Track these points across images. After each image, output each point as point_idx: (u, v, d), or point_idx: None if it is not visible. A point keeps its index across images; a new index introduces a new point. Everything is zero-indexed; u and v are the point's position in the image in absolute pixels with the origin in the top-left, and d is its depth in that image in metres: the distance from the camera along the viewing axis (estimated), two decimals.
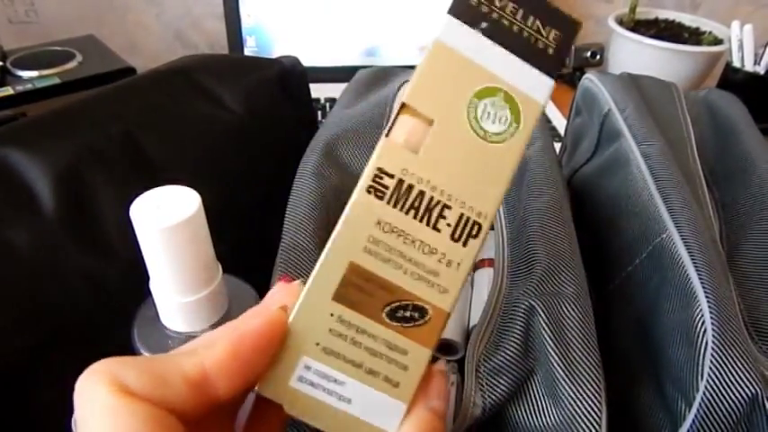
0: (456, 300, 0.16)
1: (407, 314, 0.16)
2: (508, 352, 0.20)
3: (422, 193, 0.16)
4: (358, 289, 0.15)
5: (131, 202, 0.20)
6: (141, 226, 0.19)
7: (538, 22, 0.16)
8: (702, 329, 0.19)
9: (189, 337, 0.22)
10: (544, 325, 0.19)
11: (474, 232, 0.16)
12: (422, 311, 0.16)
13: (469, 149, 0.16)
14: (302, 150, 0.29)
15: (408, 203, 0.15)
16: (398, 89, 0.34)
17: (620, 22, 0.72)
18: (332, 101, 0.68)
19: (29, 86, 0.49)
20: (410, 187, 0.15)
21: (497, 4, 0.16)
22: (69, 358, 0.24)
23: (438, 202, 0.16)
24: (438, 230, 0.16)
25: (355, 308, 0.15)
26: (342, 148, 0.29)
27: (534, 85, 0.16)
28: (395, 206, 0.15)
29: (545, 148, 0.29)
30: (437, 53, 0.16)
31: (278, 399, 0.15)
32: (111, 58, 0.56)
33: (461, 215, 0.16)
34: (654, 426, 0.21)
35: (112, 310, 0.24)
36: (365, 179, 0.16)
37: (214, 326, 0.22)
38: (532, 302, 0.20)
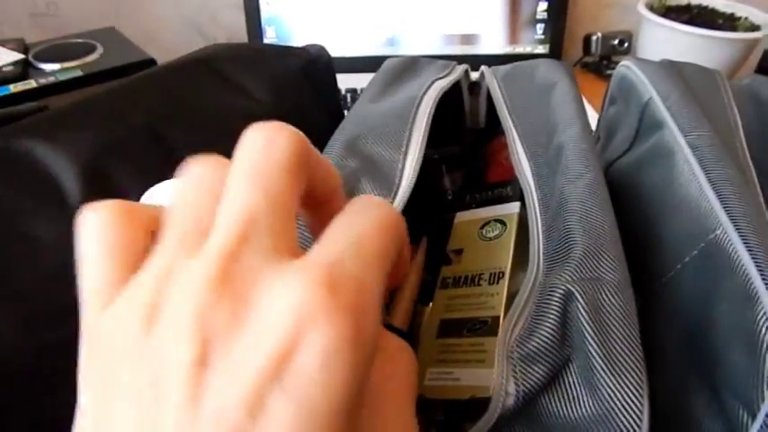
0: (502, 311, 0.26)
1: (477, 326, 0.26)
2: (543, 338, 0.19)
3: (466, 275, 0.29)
4: (447, 327, 0.27)
5: None
6: None
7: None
8: (766, 334, 0.18)
9: None
10: (582, 311, 0.18)
11: (501, 276, 0.27)
12: (484, 321, 0.26)
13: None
14: (325, 140, 0.28)
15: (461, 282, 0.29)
16: (428, 87, 0.33)
17: (651, 9, 0.70)
18: (352, 91, 0.67)
19: (51, 79, 0.49)
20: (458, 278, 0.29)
21: None
22: None
23: (476, 274, 0.29)
24: (479, 285, 0.28)
25: (449, 336, 0.27)
26: (367, 143, 0.28)
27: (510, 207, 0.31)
28: (454, 286, 0.29)
29: (582, 132, 0.27)
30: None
31: (420, 392, 0.24)
32: (131, 49, 0.56)
33: (491, 273, 0.28)
34: None
35: None
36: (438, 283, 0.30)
37: None
38: (570, 287, 0.19)
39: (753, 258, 0.20)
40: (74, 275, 0.23)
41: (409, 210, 0.26)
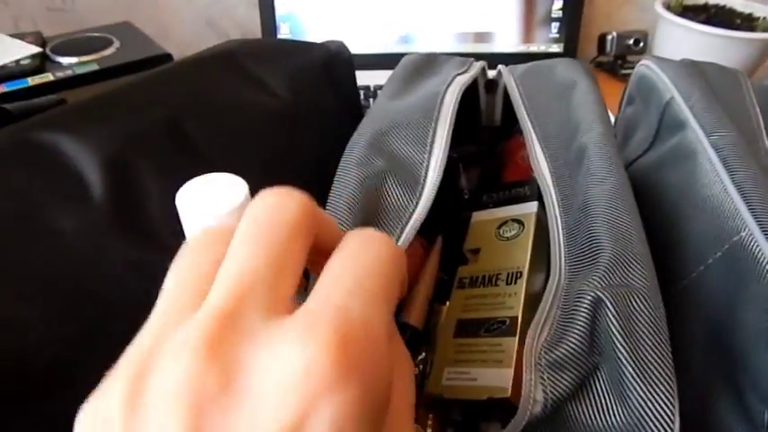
0: (520, 312, 0.25)
1: (495, 326, 0.26)
2: (572, 345, 0.18)
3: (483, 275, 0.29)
4: (464, 326, 0.27)
5: (176, 189, 0.19)
6: (187, 213, 0.18)
7: None
8: None
9: None
10: (612, 319, 0.18)
11: (519, 276, 0.27)
12: (502, 322, 0.26)
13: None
14: (345, 137, 0.28)
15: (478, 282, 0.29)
16: (450, 83, 0.32)
17: (668, 8, 0.69)
18: (365, 89, 0.67)
19: (68, 72, 0.49)
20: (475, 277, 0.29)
21: None
22: (112, 347, 0.24)
23: (493, 274, 0.29)
24: (497, 285, 0.28)
25: (466, 335, 0.27)
26: (390, 140, 0.28)
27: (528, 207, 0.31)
28: (471, 286, 0.29)
29: (606, 134, 0.27)
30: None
31: (437, 392, 0.25)
32: (147, 44, 0.56)
33: (508, 273, 0.28)
34: None
35: (156, 299, 0.24)
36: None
37: None
38: (599, 294, 0.19)
39: None
40: (96, 269, 0.23)
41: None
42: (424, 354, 0.30)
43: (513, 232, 0.31)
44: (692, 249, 0.25)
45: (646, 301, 0.18)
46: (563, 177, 0.27)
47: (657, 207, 0.30)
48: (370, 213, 0.24)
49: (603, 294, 0.19)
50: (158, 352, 0.11)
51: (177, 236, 0.21)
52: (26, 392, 0.21)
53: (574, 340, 0.18)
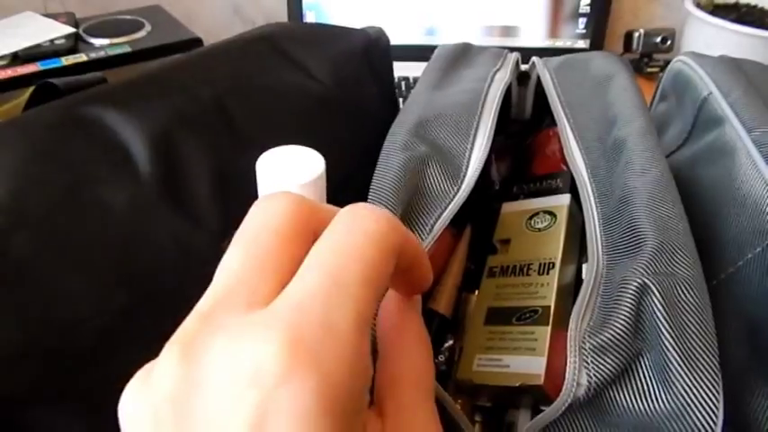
0: (553, 301, 0.26)
1: (527, 315, 0.26)
2: (617, 330, 0.19)
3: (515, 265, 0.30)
4: (495, 314, 0.28)
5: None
6: (267, 181, 0.19)
7: None
8: None
9: None
10: (658, 305, 0.18)
11: (551, 267, 0.28)
12: (535, 311, 0.26)
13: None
14: (385, 123, 0.28)
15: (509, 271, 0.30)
16: (491, 80, 0.33)
17: (698, 6, 0.68)
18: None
19: (101, 54, 0.50)
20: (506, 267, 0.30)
21: None
22: (155, 322, 0.24)
23: (525, 264, 0.29)
24: (529, 275, 0.28)
25: (497, 323, 0.27)
26: (434, 129, 0.29)
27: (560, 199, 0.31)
28: (501, 275, 0.30)
29: (647, 126, 0.27)
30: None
31: (468, 378, 0.26)
32: (178, 28, 0.56)
33: (540, 264, 0.28)
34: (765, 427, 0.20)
35: (200, 277, 0.24)
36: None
37: None
38: (646, 281, 0.19)
39: None
40: (144, 242, 0.24)
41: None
42: (451, 341, 0.30)
43: (544, 223, 0.31)
44: (729, 245, 0.25)
45: (692, 289, 0.19)
46: (599, 169, 0.27)
47: (692, 203, 0.30)
48: (413, 195, 0.24)
49: (650, 281, 0.19)
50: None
51: (220, 213, 0.21)
52: (77, 362, 0.21)
53: (619, 325, 0.18)
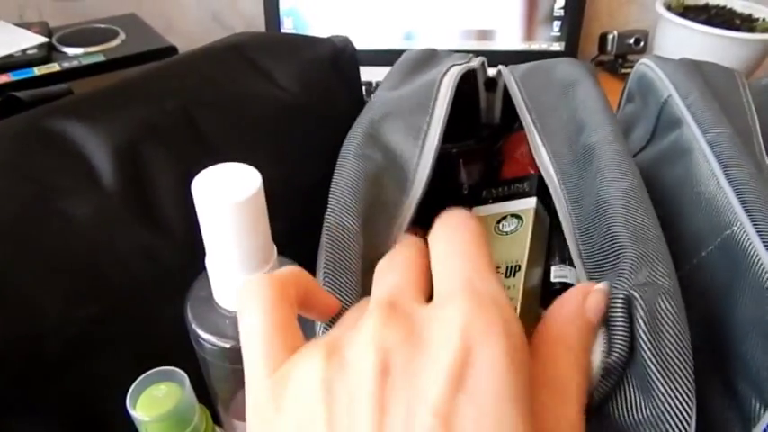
0: (519, 304, 0.26)
1: None
2: (620, 352, 0.19)
3: None
4: None
5: (187, 177, 0.20)
6: (203, 201, 0.19)
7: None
8: None
9: None
10: (639, 319, 0.18)
11: (517, 269, 0.28)
12: None
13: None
14: None
15: None
16: (446, 72, 0.33)
17: (669, 8, 0.70)
18: (368, 84, 0.67)
19: (75, 63, 0.50)
20: None
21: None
22: (124, 332, 0.25)
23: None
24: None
25: None
26: (386, 129, 0.28)
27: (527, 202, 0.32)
28: None
29: (615, 134, 0.27)
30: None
31: None
32: (153, 36, 0.56)
33: (507, 266, 0.28)
34: (722, 425, 0.20)
35: (167, 286, 0.25)
36: None
37: None
38: (631, 293, 0.19)
39: None
40: (108, 254, 0.24)
41: (425, 203, 0.26)
42: None
43: (512, 227, 0.31)
44: (688, 243, 0.26)
45: (671, 299, 0.19)
46: (569, 176, 0.27)
47: (656, 203, 0.30)
48: (371, 204, 0.25)
49: (633, 292, 0.19)
50: (342, 333, 0.16)
51: (187, 223, 0.21)
52: (44, 372, 0.22)
53: (621, 347, 0.18)
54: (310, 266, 0.24)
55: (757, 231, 0.22)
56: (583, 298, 0.19)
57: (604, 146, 0.26)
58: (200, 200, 0.19)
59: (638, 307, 0.19)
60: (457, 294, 0.15)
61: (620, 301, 0.19)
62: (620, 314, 0.19)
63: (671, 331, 0.18)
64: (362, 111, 0.31)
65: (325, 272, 0.22)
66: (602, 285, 0.19)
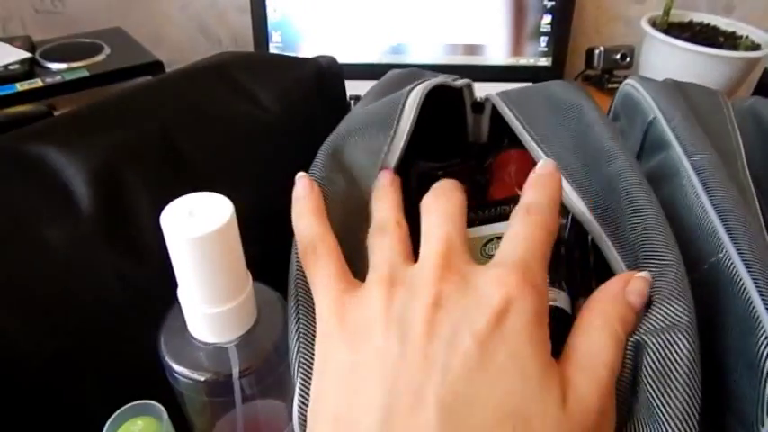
0: None
1: None
2: (621, 387, 0.19)
3: None
4: None
5: (166, 202, 0.19)
6: (171, 234, 0.19)
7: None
8: (767, 360, 0.18)
9: (217, 348, 0.22)
10: (647, 365, 0.19)
11: None
12: None
13: None
14: None
15: None
16: (410, 91, 0.31)
17: (654, 24, 0.70)
18: (356, 98, 0.67)
19: (58, 78, 0.49)
20: None
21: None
22: (99, 360, 0.24)
23: None
24: None
25: None
26: (346, 148, 0.27)
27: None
28: None
29: (634, 163, 0.26)
30: None
31: None
32: (138, 51, 0.56)
33: None
34: None
35: (144, 312, 0.24)
36: None
37: (242, 337, 0.22)
38: (643, 338, 0.19)
39: (754, 282, 0.20)
40: (84, 281, 0.23)
41: (411, 225, 0.25)
42: None
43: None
44: None
45: (687, 339, 0.19)
46: (604, 209, 0.25)
47: None
48: (340, 224, 0.24)
49: (645, 339, 0.19)
50: (404, 275, 0.20)
51: (164, 249, 0.21)
52: (13, 403, 0.21)
53: (621, 385, 0.19)
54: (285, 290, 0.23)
55: (743, 259, 0.22)
56: (625, 283, 0.20)
57: (626, 177, 0.25)
58: (168, 233, 0.19)
59: (649, 353, 0.19)
60: (511, 263, 0.19)
61: (629, 346, 0.19)
62: (626, 360, 0.19)
63: (683, 373, 0.18)
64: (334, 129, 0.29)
65: (297, 300, 0.22)
66: (644, 273, 0.21)
